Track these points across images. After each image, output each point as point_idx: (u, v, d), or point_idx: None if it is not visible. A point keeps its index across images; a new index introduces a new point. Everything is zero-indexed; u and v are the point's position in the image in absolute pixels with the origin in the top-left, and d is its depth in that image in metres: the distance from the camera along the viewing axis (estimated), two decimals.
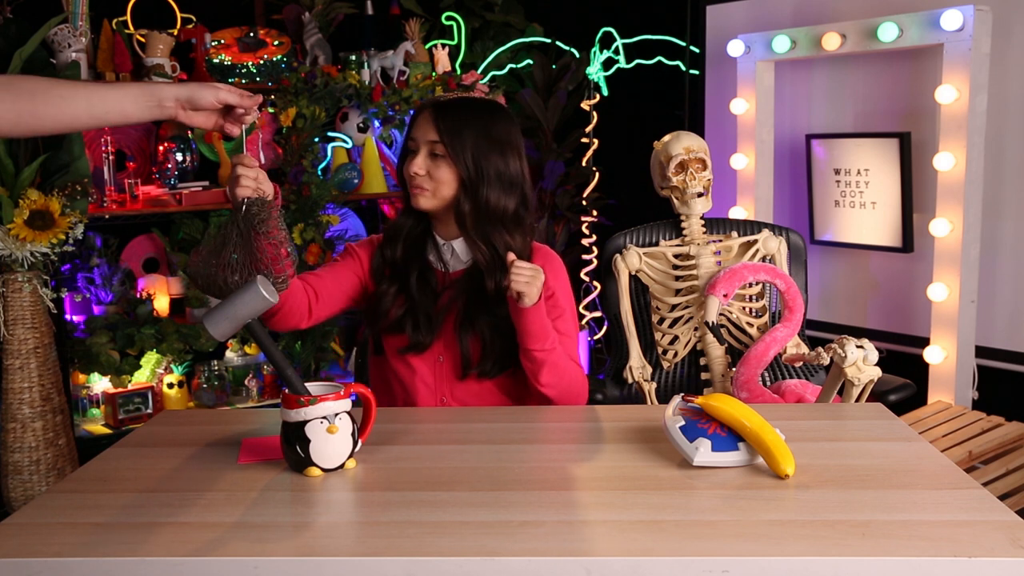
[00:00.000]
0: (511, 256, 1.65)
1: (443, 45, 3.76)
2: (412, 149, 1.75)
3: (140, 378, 3.29)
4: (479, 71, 3.99)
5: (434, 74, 3.61)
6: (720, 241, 2.21)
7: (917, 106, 3.21)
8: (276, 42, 3.45)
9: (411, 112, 3.51)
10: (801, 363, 2.16)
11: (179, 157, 3.34)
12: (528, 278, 1.63)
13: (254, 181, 1.43)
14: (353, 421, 1.36)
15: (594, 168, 4.10)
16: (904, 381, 2.14)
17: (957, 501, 1.18)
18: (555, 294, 1.80)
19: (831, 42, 3.19)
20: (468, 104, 1.76)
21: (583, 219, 4.10)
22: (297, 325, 1.72)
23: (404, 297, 1.78)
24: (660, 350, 2.21)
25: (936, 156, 2.96)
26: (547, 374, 1.72)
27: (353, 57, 3.46)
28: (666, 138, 2.22)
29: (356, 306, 1.86)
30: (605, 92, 4.14)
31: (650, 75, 4.16)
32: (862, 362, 1.72)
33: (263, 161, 3.39)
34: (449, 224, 1.79)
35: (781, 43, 3.36)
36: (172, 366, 3.34)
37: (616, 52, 4.12)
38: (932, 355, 3.02)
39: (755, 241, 2.20)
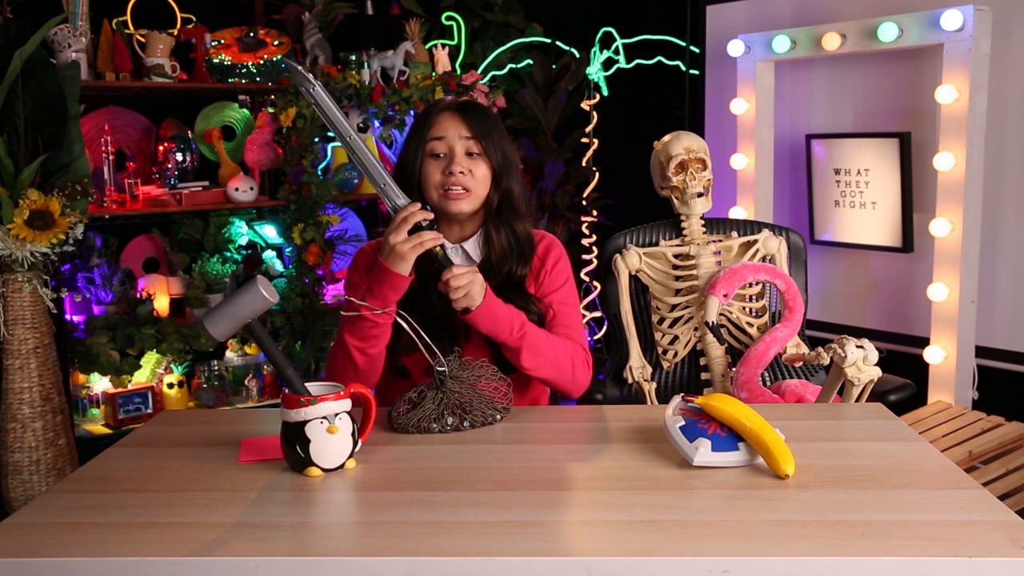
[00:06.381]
0: (444, 276, 1.59)
1: (443, 45, 3.76)
2: (438, 153, 1.72)
3: (140, 378, 3.29)
4: (479, 71, 3.99)
5: (434, 74, 3.61)
6: (720, 241, 2.21)
7: (917, 106, 3.21)
8: (276, 42, 3.45)
9: (412, 112, 3.51)
10: (801, 363, 2.16)
11: (179, 157, 3.34)
12: (466, 288, 1.59)
13: None
14: (353, 421, 1.36)
15: (594, 168, 4.10)
16: (904, 381, 2.14)
17: (957, 501, 1.18)
18: (561, 287, 1.80)
19: (831, 42, 3.19)
20: (475, 102, 1.81)
21: (583, 219, 4.10)
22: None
23: (421, 318, 1.70)
24: (660, 350, 2.20)
25: (936, 156, 2.96)
26: (528, 358, 1.67)
27: (353, 57, 3.46)
28: (666, 138, 2.22)
29: None
30: (605, 92, 4.14)
31: (650, 75, 4.16)
32: (862, 362, 1.72)
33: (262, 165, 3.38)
34: (465, 225, 1.77)
35: (781, 43, 3.36)
36: (172, 366, 3.34)
37: (616, 52, 4.12)
38: (932, 355, 3.02)
39: (755, 241, 2.20)
